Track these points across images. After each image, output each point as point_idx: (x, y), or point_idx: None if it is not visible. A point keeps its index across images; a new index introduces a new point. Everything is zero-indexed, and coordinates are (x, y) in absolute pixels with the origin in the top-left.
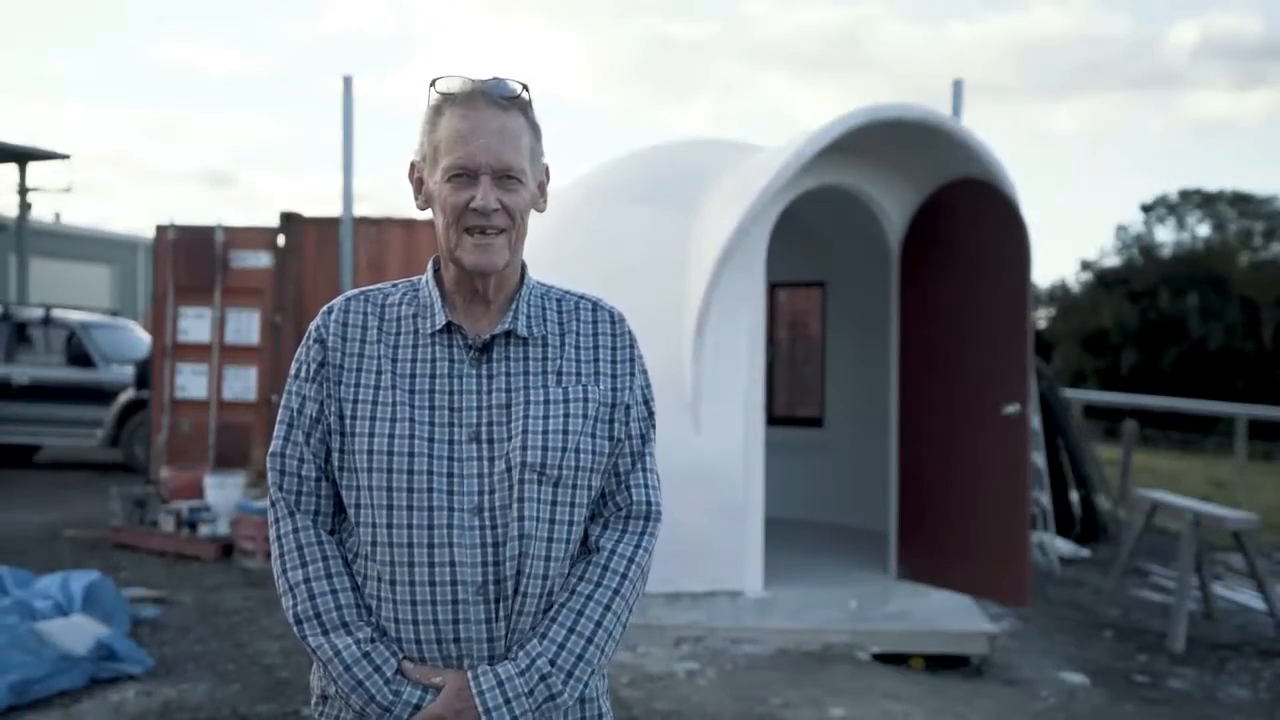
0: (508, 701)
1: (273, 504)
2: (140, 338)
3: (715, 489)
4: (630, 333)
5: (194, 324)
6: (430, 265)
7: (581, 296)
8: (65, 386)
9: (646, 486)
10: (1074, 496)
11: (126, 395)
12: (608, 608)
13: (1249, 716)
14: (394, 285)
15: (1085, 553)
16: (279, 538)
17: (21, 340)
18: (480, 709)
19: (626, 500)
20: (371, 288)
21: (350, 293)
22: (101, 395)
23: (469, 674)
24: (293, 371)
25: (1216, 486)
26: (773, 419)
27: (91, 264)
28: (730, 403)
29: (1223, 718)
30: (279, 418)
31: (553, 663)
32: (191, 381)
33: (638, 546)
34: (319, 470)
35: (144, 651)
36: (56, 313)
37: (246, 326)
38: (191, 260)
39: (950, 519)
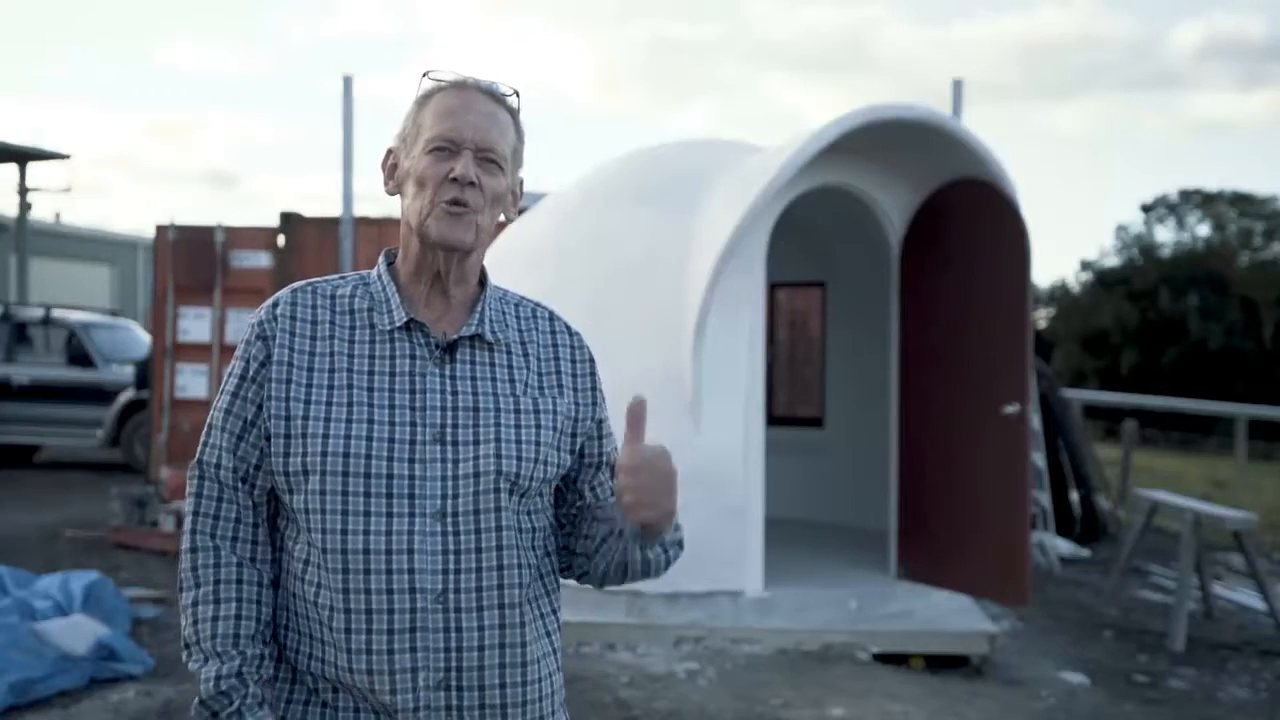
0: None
1: (191, 513)
2: (140, 338)
3: (715, 489)
4: (589, 349)
5: (194, 324)
6: (382, 259)
7: (538, 305)
8: (65, 386)
9: None
10: (1074, 496)
11: (126, 395)
12: None
13: (1249, 716)
14: (343, 278)
15: (1085, 553)
16: (191, 550)
17: (21, 340)
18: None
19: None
20: (319, 280)
21: (296, 285)
22: (101, 395)
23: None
24: (230, 370)
25: (1216, 486)
26: (773, 419)
27: (91, 264)
28: (730, 403)
29: (1223, 718)
30: (209, 420)
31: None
32: (191, 381)
33: None
34: (244, 477)
35: (144, 651)
36: (56, 313)
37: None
38: (191, 260)
39: (950, 519)
